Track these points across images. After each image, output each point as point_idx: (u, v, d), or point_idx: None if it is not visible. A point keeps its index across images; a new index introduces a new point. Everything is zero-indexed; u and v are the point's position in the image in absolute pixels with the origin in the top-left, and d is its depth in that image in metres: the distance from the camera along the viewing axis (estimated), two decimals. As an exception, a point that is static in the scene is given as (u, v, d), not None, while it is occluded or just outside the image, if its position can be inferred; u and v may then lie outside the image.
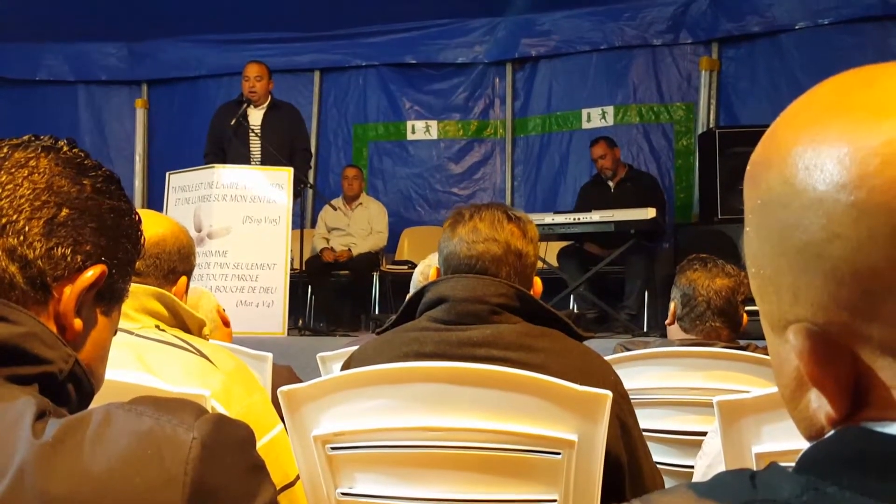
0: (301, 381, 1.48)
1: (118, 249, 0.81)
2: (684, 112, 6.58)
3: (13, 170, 0.76)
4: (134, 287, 0.95)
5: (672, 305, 2.25)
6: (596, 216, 4.86)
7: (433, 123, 7.15)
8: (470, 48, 7.00)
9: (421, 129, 7.16)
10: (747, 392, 1.36)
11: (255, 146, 5.39)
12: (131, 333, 1.39)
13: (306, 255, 5.73)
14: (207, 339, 1.53)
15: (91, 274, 0.78)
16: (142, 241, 0.86)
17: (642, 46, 6.59)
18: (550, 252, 5.53)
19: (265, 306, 4.75)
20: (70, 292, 0.77)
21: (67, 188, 0.77)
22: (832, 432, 0.49)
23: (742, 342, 2.18)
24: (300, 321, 5.57)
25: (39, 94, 7.52)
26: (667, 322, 2.30)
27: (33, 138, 0.80)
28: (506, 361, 1.42)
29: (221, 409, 1.31)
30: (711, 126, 6.19)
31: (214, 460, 0.64)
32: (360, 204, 6.33)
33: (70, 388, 0.74)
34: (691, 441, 1.95)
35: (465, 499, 1.40)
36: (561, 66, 6.87)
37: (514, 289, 1.50)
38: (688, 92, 6.55)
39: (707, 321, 2.16)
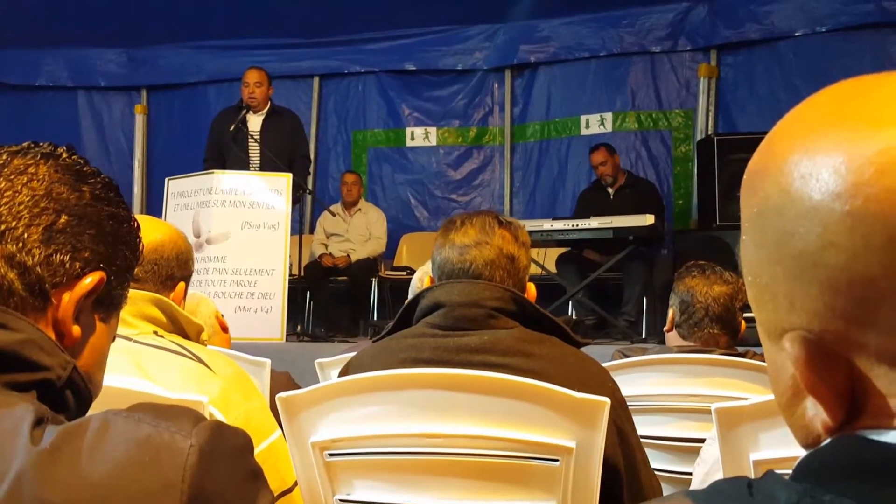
0: (299, 388, 1.48)
1: (117, 256, 0.81)
2: (683, 119, 6.59)
3: (12, 176, 0.76)
4: (132, 293, 0.95)
5: (670, 312, 2.25)
6: (594, 222, 4.87)
7: (432, 130, 7.16)
8: (469, 55, 7.01)
9: (420, 136, 7.17)
10: (745, 399, 1.36)
11: (255, 152, 5.39)
12: (129, 339, 1.39)
13: (305, 261, 5.73)
14: (206, 345, 1.53)
15: (90, 281, 0.78)
16: (140, 247, 0.86)
17: (641, 53, 6.61)
18: (549, 258, 5.53)
19: (264, 312, 4.75)
20: (68, 299, 0.77)
21: (66, 195, 0.78)
22: (829, 440, 0.49)
23: (740, 349, 2.18)
24: (299, 327, 5.57)
25: (39, 100, 7.54)
26: (665, 329, 2.31)
27: (32, 145, 0.80)
28: (503, 367, 1.41)
29: (219, 416, 1.31)
30: (710, 133, 6.20)
31: (212, 467, 0.64)
32: (359, 210, 6.34)
33: (68, 394, 0.74)
34: (689, 448, 1.94)
35: (463, 506, 1.40)
36: (560, 72, 6.89)
37: (510, 292, 1.50)
38: (686, 99, 6.56)
39: (705, 328, 2.17)
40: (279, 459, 1.41)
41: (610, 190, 5.80)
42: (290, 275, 5.05)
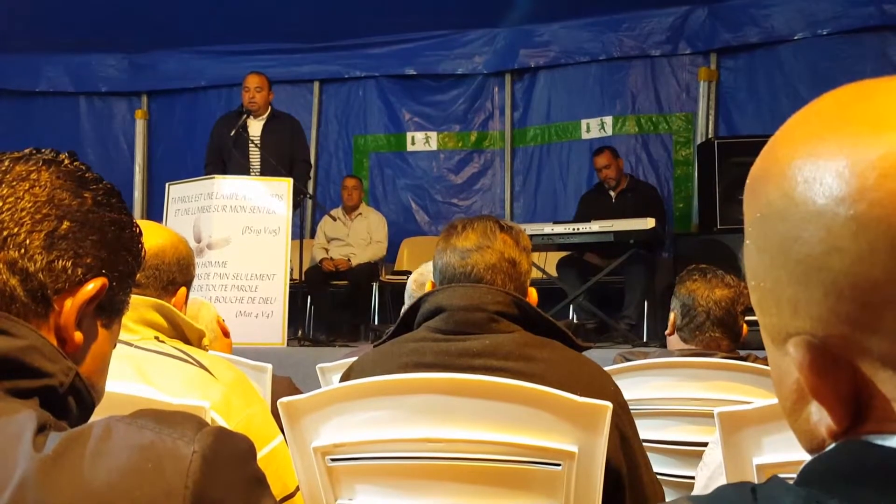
0: (301, 392, 1.48)
1: (119, 262, 0.81)
2: (683, 122, 6.59)
3: (14, 183, 0.76)
4: (133, 298, 0.95)
5: (672, 316, 2.24)
6: (595, 226, 4.86)
7: (433, 134, 7.16)
8: (469, 59, 7.02)
9: (421, 140, 7.18)
10: (748, 403, 1.36)
11: (255, 157, 5.40)
12: (131, 345, 1.39)
13: (306, 266, 5.73)
14: (207, 350, 1.53)
15: (92, 287, 0.78)
16: (142, 253, 0.86)
17: (641, 57, 6.61)
18: (550, 262, 5.53)
19: (265, 317, 4.75)
20: (71, 305, 0.77)
21: (68, 201, 0.78)
22: (833, 445, 0.49)
23: (742, 353, 2.18)
24: (300, 331, 5.57)
25: (40, 106, 7.54)
26: (666, 332, 2.30)
27: (34, 151, 0.80)
28: (505, 371, 1.41)
29: (221, 421, 1.31)
30: (710, 136, 6.20)
31: (215, 473, 0.64)
32: (360, 214, 6.34)
33: (71, 401, 0.74)
34: (692, 452, 1.94)
35: (466, 510, 1.40)
36: (560, 76, 6.89)
37: (511, 296, 1.50)
38: (686, 102, 6.57)
39: (707, 332, 2.16)
40: (281, 465, 1.41)
41: (612, 193, 5.80)
42: (291, 279, 5.06)
